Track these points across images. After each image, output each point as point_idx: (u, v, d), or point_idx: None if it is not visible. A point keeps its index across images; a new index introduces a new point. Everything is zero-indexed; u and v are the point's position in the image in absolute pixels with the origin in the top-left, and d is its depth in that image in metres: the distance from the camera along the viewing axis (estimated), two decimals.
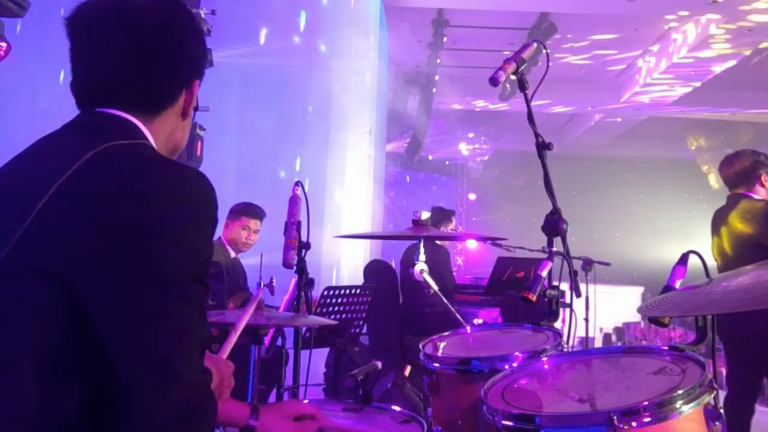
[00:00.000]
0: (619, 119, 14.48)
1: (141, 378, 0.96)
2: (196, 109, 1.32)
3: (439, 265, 5.13)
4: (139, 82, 1.16)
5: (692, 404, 1.13)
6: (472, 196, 16.42)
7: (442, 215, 5.66)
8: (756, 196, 3.66)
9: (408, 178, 14.35)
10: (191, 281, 1.01)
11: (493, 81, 1.84)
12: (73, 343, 0.98)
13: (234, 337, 1.42)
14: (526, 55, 1.93)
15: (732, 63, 10.61)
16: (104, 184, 1.01)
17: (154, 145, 1.17)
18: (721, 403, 1.18)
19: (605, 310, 6.47)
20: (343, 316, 3.43)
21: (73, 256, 0.97)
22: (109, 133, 1.09)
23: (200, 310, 1.04)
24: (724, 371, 4.05)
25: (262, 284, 2.60)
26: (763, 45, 9.95)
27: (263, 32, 5.96)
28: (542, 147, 1.88)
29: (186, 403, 0.97)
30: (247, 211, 4.33)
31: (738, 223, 3.62)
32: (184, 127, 1.26)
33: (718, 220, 3.78)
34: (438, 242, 5.35)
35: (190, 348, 0.99)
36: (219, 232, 4.37)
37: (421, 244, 2.56)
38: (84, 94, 1.17)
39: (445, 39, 9.95)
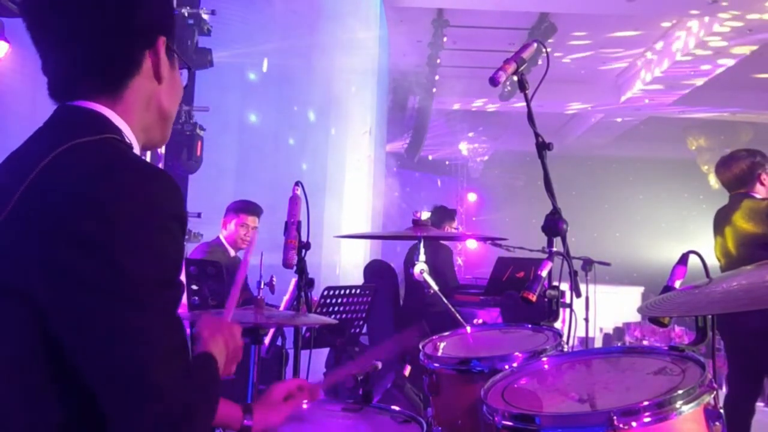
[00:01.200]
0: (619, 119, 14.48)
1: (117, 396, 0.93)
2: (189, 68, 1.27)
3: (442, 263, 5.13)
4: (90, 58, 1.09)
5: (692, 404, 1.13)
6: (472, 196, 16.42)
7: (444, 214, 5.65)
8: (758, 195, 3.65)
9: (408, 178, 14.35)
10: (158, 288, 0.97)
11: (493, 81, 1.84)
12: (47, 358, 0.95)
13: (234, 300, 1.43)
14: (526, 55, 1.93)
15: (732, 63, 10.61)
16: (59, 194, 0.97)
17: (125, 130, 1.11)
18: (721, 403, 1.18)
19: (605, 310, 6.47)
20: (343, 316, 3.43)
21: (34, 270, 0.94)
22: (71, 131, 1.04)
23: (170, 317, 0.99)
24: (724, 371, 4.05)
25: (261, 284, 2.60)
26: (764, 45, 9.94)
27: (263, 32, 5.96)
28: (542, 147, 1.88)
29: (168, 412, 0.94)
30: (244, 208, 4.32)
31: (743, 223, 3.61)
32: (167, 90, 1.18)
33: (721, 219, 3.77)
34: (441, 241, 5.34)
35: (165, 356, 0.95)
36: (217, 232, 4.37)
37: (421, 244, 2.56)
38: (50, 88, 1.13)
39: (445, 39, 9.94)
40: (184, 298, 3.06)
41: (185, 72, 1.33)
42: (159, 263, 0.98)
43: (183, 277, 3.07)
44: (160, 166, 4.11)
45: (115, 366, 0.93)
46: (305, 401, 1.48)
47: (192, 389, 0.99)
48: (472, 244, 11.51)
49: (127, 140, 1.12)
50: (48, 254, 0.94)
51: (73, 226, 0.94)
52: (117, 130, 1.10)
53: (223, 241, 4.30)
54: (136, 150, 1.15)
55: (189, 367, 1.01)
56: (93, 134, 1.05)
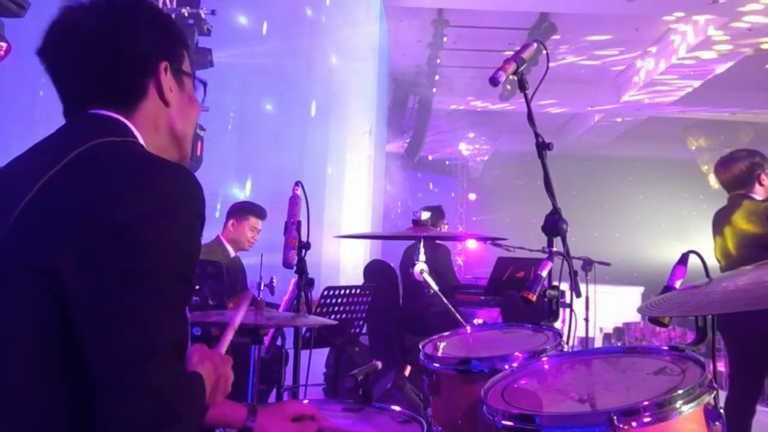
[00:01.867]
0: (619, 119, 14.48)
1: (109, 379, 0.94)
2: (203, 83, 1.29)
3: (440, 263, 5.13)
4: (98, 87, 1.16)
5: (692, 404, 1.13)
6: (472, 196, 16.42)
7: (439, 214, 5.69)
8: (757, 196, 3.65)
9: (408, 178, 14.34)
10: (173, 282, 1.00)
11: (493, 81, 1.84)
12: (62, 339, 0.97)
13: (229, 334, 1.41)
14: (526, 55, 1.93)
15: (732, 63, 10.61)
16: (88, 182, 1.01)
17: (142, 141, 1.16)
18: (721, 404, 1.18)
19: (605, 310, 6.47)
20: (343, 316, 3.43)
21: (59, 249, 0.97)
22: (96, 132, 1.10)
23: (179, 312, 1.02)
24: (724, 371, 4.05)
25: (261, 284, 2.60)
26: (763, 45, 9.95)
27: (263, 32, 5.96)
28: (542, 147, 1.88)
29: (156, 407, 0.95)
30: (254, 211, 4.33)
31: (743, 224, 3.62)
32: (178, 112, 1.22)
33: (721, 220, 3.77)
34: (437, 241, 5.35)
35: (165, 350, 0.97)
36: (218, 231, 4.37)
37: (421, 244, 2.56)
38: (66, 107, 1.20)
39: (445, 39, 9.94)
40: None
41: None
42: (180, 257, 1.02)
43: None
44: None
45: (115, 349, 0.94)
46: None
47: (181, 393, 1.00)
48: (472, 244, 11.51)
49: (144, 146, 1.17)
50: (76, 237, 0.96)
51: (101, 212, 0.97)
52: (135, 137, 1.16)
53: (223, 241, 4.30)
54: None
55: (183, 369, 1.03)
56: (117, 136, 1.11)
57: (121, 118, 1.15)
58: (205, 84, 1.31)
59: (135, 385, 0.94)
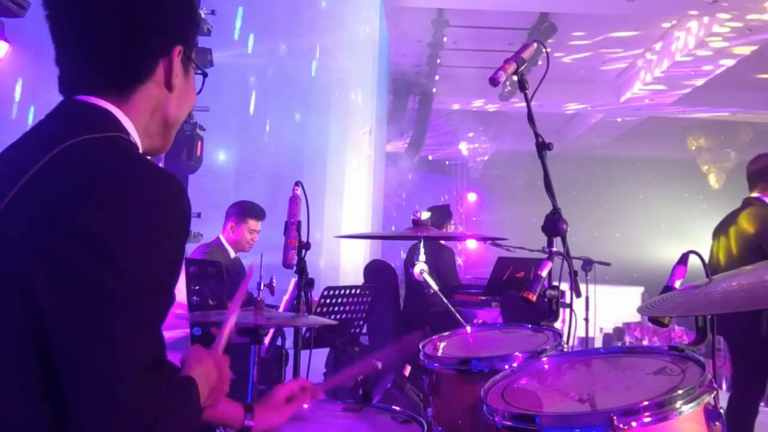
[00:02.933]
0: (619, 119, 14.48)
1: (85, 404, 0.90)
2: (203, 74, 1.23)
3: (443, 265, 5.14)
4: (104, 56, 1.09)
5: (692, 404, 1.13)
6: (472, 196, 16.42)
7: (444, 215, 5.66)
8: None
9: (408, 178, 14.34)
10: (149, 295, 0.94)
11: (493, 81, 1.83)
12: (40, 354, 0.93)
13: (225, 333, 1.42)
14: (526, 55, 1.92)
15: (732, 63, 10.61)
16: (66, 187, 0.95)
17: (131, 130, 1.10)
18: (721, 404, 1.18)
19: (605, 310, 6.47)
20: (343, 316, 3.44)
21: (32, 261, 0.92)
22: (80, 126, 1.03)
23: (156, 327, 0.97)
24: (725, 371, 4.05)
25: (261, 284, 2.60)
26: (764, 45, 9.94)
27: (263, 32, 5.96)
28: (542, 147, 1.88)
29: (126, 427, 0.90)
30: (252, 213, 4.33)
31: (745, 224, 3.67)
32: (177, 99, 1.16)
33: (728, 220, 3.82)
34: (442, 242, 5.35)
35: (141, 371, 0.92)
36: (218, 232, 4.37)
37: (421, 245, 2.56)
38: (61, 81, 1.13)
39: (445, 39, 9.95)
40: (184, 298, 3.06)
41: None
42: (157, 268, 0.96)
43: (181, 281, 3.07)
44: (161, 164, 4.11)
45: (85, 366, 0.90)
46: (306, 402, 1.48)
47: (163, 410, 0.96)
48: (472, 244, 11.52)
49: (133, 140, 1.11)
50: (48, 246, 0.92)
51: (76, 221, 0.92)
52: (124, 130, 1.09)
53: (224, 242, 4.30)
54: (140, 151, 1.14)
55: (162, 387, 0.97)
56: (101, 131, 1.04)
57: (110, 107, 1.08)
58: (205, 75, 1.25)
59: (112, 412, 0.90)
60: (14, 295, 0.93)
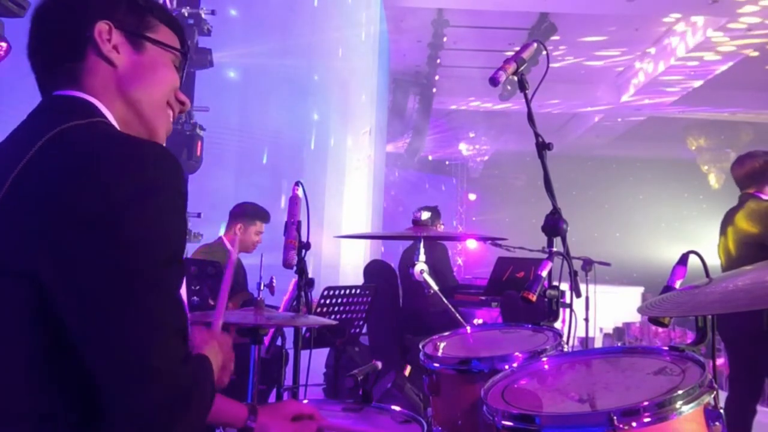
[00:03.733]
0: (619, 119, 14.49)
1: (116, 377, 0.93)
2: (182, 53, 1.23)
3: (438, 262, 5.14)
4: (44, 48, 1.15)
5: (692, 404, 1.13)
6: (472, 196, 16.42)
7: (435, 214, 5.69)
8: (764, 196, 3.67)
9: (408, 178, 14.34)
10: (163, 266, 0.97)
11: (493, 81, 1.83)
12: (49, 341, 0.95)
13: (220, 310, 1.41)
14: (526, 55, 1.92)
15: (732, 63, 10.62)
16: (59, 173, 0.96)
17: (110, 117, 1.12)
18: (721, 404, 1.18)
19: (605, 310, 6.47)
20: (343, 316, 3.43)
21: (37, 251, 0.93)
22: (62, 116, 1.05)
23: (174, 296, 0.99)
24: (724, 372, 4.05)
25: (261, 284, 2.60)
26: (763, 46, 9.95)
27: (263, 32, 5.96)
28: (542, 147, 1.88)
29: (167, 396, 0.94)
30: (261, 215, 4.33)
31: (743, 223, 3.63)
32: (132, 75, 1.15)
33: (727, 219, 3.80)
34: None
35: (166, 338, 0.95)
36: (220, 232, 4.37)
37: (421, 245, 2.56)
38: (37, 83, 1.18)
39: (445, 39, 9.95)
40: (184, 298, 3.06)
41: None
42: (164, 240, 0.98)
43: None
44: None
45: (116, 346, 0.92)
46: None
47: (189, 377, 0.99)
48: (472, 244, 11.52)
49: (113, 125, 1.12)
50: (52, 234, 0.93)
51: (76, 205, 0.93)
52: (103, 116, 1.11)
53: (226, 242, 4.30)
54: None
55: (188, 354, 1.01)
56: (86, 117, 1.06)
57: (83, 96, 1.11)
58: (183, 53, 1.24)
59: (144, 379, 0.92)
60: (15, 285, 0.94)
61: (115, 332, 0.92)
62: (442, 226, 5.88)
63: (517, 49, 1.96)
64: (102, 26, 1.13)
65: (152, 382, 0.93)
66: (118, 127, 1.13)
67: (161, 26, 1.21)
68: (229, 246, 4.29)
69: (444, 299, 2.53)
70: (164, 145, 1.19)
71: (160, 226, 0.97)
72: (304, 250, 2.61)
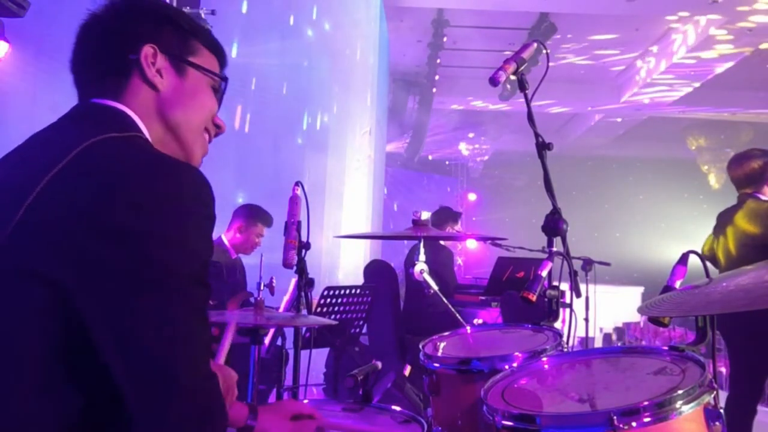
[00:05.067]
0: (619, 119, 14.49)
1: (144, 391, 0.93)
2: (221, 78, 1.25)
3: (441, 265, 5.13)
4: (90, 59, 1.17)
5: (692, 404, 1.13)
6: (472, 196, 16.42)
7: (448, 216, 5.64)
8: (763, 197, 3.66)
9: (408, 179, 14.34)
10: (191, 284, 0.98)
11: (493, 81, 1.84)
12: (68, 349, 0.95)
13: (227, 342, 1.43)
14: (526, 55, 1.93)
15: (732, 63, 10.62)
16: (95, 183, 0.97)
17: (146, 132, 1.14)
18: (722, 404, 1.18)
19: (605, 310, 6.47)
20: (343, 316, 3.43)
21: (66, 258, 0.93)
22: (100, 126, 1.07)
23: (202, 314, 1.00)
24: (724, 371, 4.05)
25: (261, 284, 2.60)
26: (763, 46, 9.95)
27: (263, 32, 5.96)
28: (542, 147, 1.88)
29: (193, 412, 0.95)
30: (263, 219, 4.33)
31: (744, 223, 3.62)
32: (173, 100, 1.18)
33: (724, 219, 3.78)
34: (441, 242, 5.35)
35: (194, 355, 0.97)
36: (221, 231, 4.36)
37: (421, 245, 2.56)
38: (76, 86, 1.19)
39: (445, 39, 9.95)
40: None
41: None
42: (191, 259, 0.99)
43: None
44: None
45: (145, 360, 0.93)
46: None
47: (214, 394, 1.01)
48: (472, 244, 11.52)
49: (149, 140, 1.14)
50: (82, 246, 0.93)
51: (107, 217, 0.94)
52: (139, 130, 1.13)
53: (225, 242, 4.29)
54: None
55: (214, 371, 1.02)
56: (121, 131, 1.08)
57: (123, 108, 1.13)
58: (224, 80, 1.26)
59: (172, 394, 0.93)
60: (39, 290, 0.94)
61: (147, 347, 0.93)
62: (454, 228, 5.78)
63: (517, 49, 1.96)
64: (148, 50, 1.15)
65: (180, 397, 0.94)
66: (153, 144, 1.14)
67: (204, 50, 1.23)
68: (230, 246, 4.28)
69: (444, 299, 2.53)
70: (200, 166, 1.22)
71: (186, 245, 0.98)
72: (304, 250, 2.62)
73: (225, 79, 1.26)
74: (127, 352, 0.93)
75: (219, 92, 1.26)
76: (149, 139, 1.14)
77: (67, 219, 0.95)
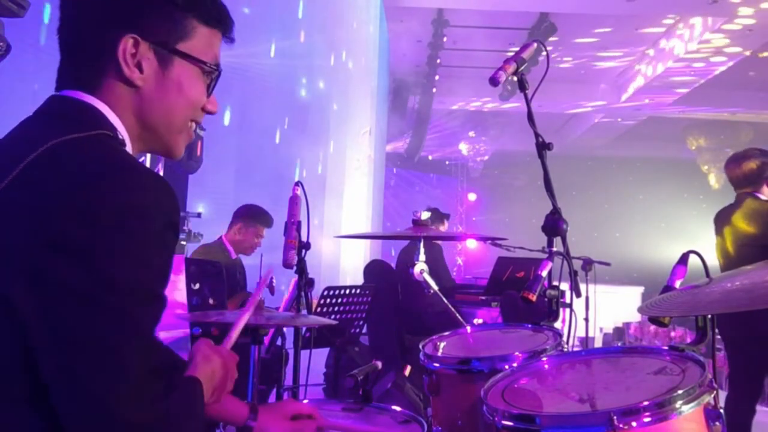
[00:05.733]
0: (619, 119, 14.49)
1: (77, 421, 0.87)
2: (212, 69, 1.11)
3: (433, 262, 5.13)
4: (67, 48, 1.07)
5: (692, 404, 1.13)
6: (472, 196, 16.43)
7: (436, 217, 5.72)
8: (762, 196, 3.65)
9: (408, 179, 14.34)
10: (138, 302, 0.91)
11: (493, 81, 1.83)
12: (27, 369, 0.89)
13: (235, 334, 1.42)
14: (526, 55, 1.92)
15: (732, 63, 10.62)
16: (46, 194, 0.90)
17: (118, 126, 1.05)
18: (721, 404, 1.18)
19: (605, 310, 6.47)
20: (343, 316, 3.43)
21: (13, 273, 0.88)
22: (64, 124, 0.99)
23: (148, 336, 0.93)
24: (724, 372, 4.04)
25: (266, 280, 2.62)
26: (763, 47, 9.95)
27: (263, 32, 5.96)
28: (542, 147, 1.88)
29: None
30: (263, 220, 4.33)
31: (742, 223, 3.61)
32: (153, 97, 1.07)
33: (722, 219, 3.77)
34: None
35: (136, 381, 0.89)
36: (221, 232, 4.37)
37: (421, 245, 2.56)
38: (58, 70, 1.10)
39: (445, 39, 9.96)
40: (184, 298, 3.06)
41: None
42: (144, 275, 0.92)
43: (181, 281, 3.07)
44: (161, 165, 4.11)
45: (82, 385, 0.87)
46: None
47: (167, 420, 0.94)
48: (472, 244, 11.52)
49: (120, 137, 1.05)
50: (30, 257, 0.88)
51: (58, 230, 0.88)
52: (109, 126, 1.04)
53: (226, 242, 4.30)
54: (129, 149, 1.08)
55: (162, 393, 0.95)
56: (85, 130, 0.99)
57: (94, 102, 1.03)
58: (217, 71, 1.14)
59: (110, 425, 0.87)
60: None
61: (82, 371, 0.87)
62: (445, 227, 5.88)
63: (517, 49, 1.96)
64: (127, 43, 1.03)
65: (111, 423, 0.87)
66: (127, 140, 1.07)
67: (200, 28, 1.11)
68: (230, 246, 4.29)
69: (444, 299, 2.53)
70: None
71: (140, 259, 0.91)
72: (304, 250, 2.61)
73: (218, 68, 1.14)
74: (61, 372, 0.88)
75: (211, 77, 1.14)
76: (121, 136, 1.05)
77: (16, 231, 0.89)
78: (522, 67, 1.89)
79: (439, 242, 5.64)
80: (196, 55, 1.10)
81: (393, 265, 5.19)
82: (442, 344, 1.78)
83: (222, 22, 1.15)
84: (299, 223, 2.57)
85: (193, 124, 1.16)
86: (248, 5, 5.72)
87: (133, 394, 0.89)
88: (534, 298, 1.65)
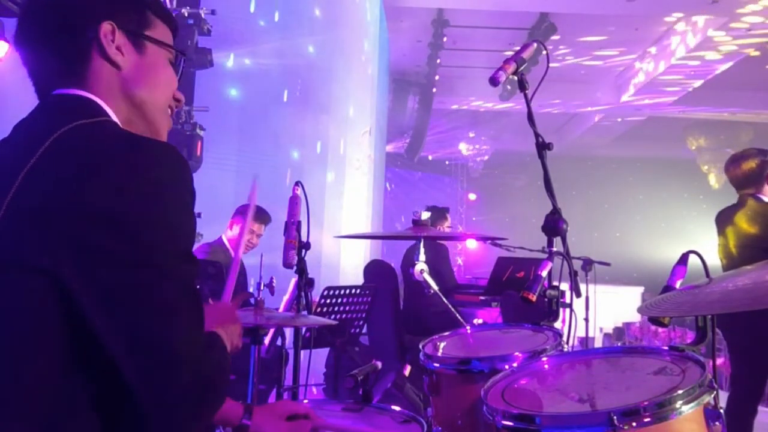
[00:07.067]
0: (619, 119, 14.49)
1: (143, 369, 0.94)
2: (178, 53, 1.22)
3: (438, 262, 5.13)
4: (48, 46, 1.13)
5: (692, 404, 1.13)
6: (472, 196, 16.43)
7: (437, 214, 5.69)
8: (765, 198, 3.64)
9: (408, 179, 14.35)
10: (178, 261, 0.99)
11: (493, 81, 1.83)
12: (69, 338, 0.95)
13: (231, 283, 1.45)
14: (526, 55, 1.92)
15: (732, 63, 10.62)
16: (72, 171, 0.96)
17: (113, 116, 1.11)
18: (722, 404, 1.18)
19: (605, 310, 6.47)
20: (343, 316, 3.43)
21: (55, 247, 0.93)
22: (68, 115, 1.05)
23: (192, 288, 1.02)
24: (725, 372, 4.04)
25: (261, 284, 2.60)
26: (763, 47, 9.95)
27: (263, 32, 5.96)
28: (542, 147, 1.88)
29: (193, 382, 0.96)
30: (260, 217, 4.32)
31: (744, 224, 3.61)
32: (136, 77, 1.15)
33: (725, 220, 3.76)
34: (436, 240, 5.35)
35: (189, 327, 0.98)
36: (218, 232, 4.37)
37: (421, 244, 2.56)
38: (36, 85, 1.16)
39: (445, 39, 9.96)
40: None
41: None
42: (177, 236, 1.00)
43: None
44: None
45: (140, 338, 0.94)
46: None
47: (211, 362, 1.03)
48: (472, 244, 11.53)
49: (118, 124, 1.12)
50: (67, 230, 0.93)
51: (90, 203, 0.94)
52: (106, 114, 1.11)
53: (225, 242, 4.30)
54: None
55: (209, 341, 1.05)
56: (90, 117, 1.06)
57: (87, 95, 1.10)
58: (181, 54, 1.24)
59: (171, 367, 0.95)
60: (32, 282, 0.94)
61: (140, 325, 0.94)
62: (448, 228, 5.84)
63: (517, 49, 1.96)
64: (107, 27, 1.12)
65: (180, 370, 0.95)
66: (122, 127, 1.12)
67: (158, 22, 1.20)
68: (230, 246, 4.29)
69: (444, 299, 2.53)
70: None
71: (171, 222, 0.99)
72: (304, 250, 2.61)
73: (183, 53, 1.25)
74: (122, 330, 0.94)
75: (176, 66, 1.24)
76: (117, 122, 1.12)
77: (51, 208, 0.95)
78: (522, 67, 1.89)
79: (444, 243, 5.63)
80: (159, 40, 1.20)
81: (394, 264, 5.19)
82: (442, 344, 1.78)
83: (172, 24, 1.25)
84: (299, 223, 2.57)
85: (170, 111, 1.24)
86: (246, 5, 5.72)
87: (187, 337, 0.97)
88: (534, 298, 1.65)
